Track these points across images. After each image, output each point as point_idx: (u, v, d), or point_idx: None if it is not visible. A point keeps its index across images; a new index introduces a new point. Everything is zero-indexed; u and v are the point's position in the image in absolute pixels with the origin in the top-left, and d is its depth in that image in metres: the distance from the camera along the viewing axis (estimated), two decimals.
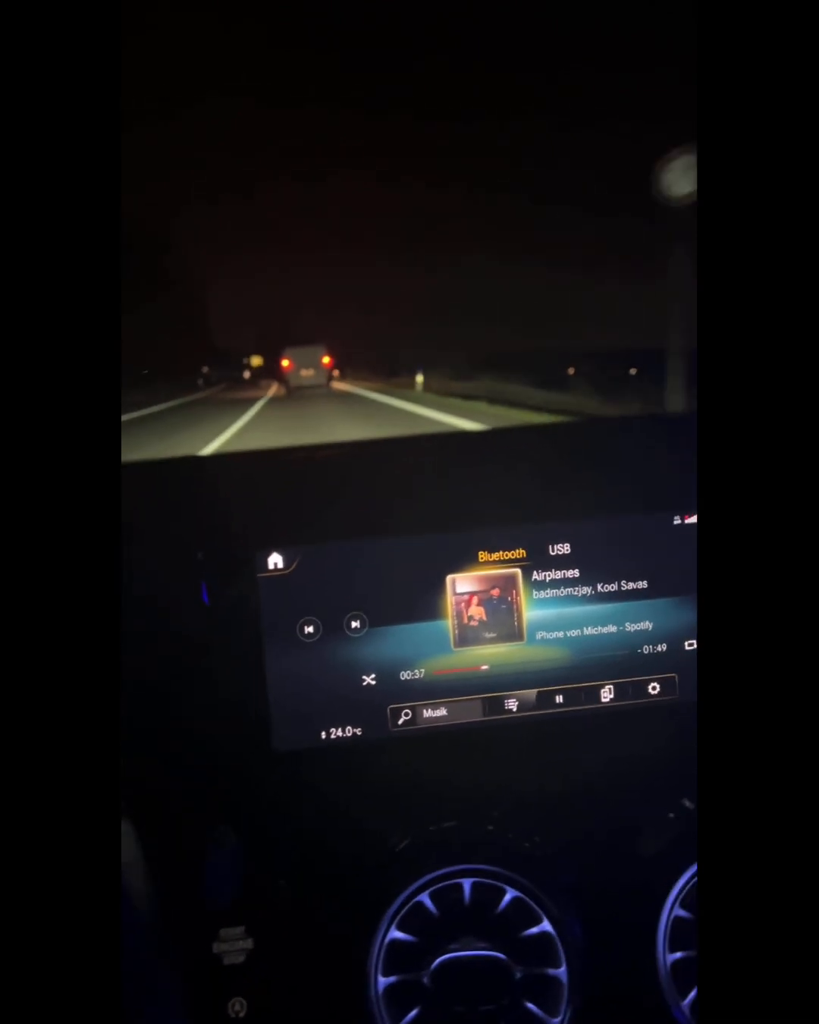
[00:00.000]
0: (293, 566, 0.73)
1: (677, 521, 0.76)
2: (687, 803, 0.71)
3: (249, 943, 0.61)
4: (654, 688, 0.76)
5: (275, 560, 0.73)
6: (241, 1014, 0.60)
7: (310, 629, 0.73)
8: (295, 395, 22.83)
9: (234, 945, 0.61)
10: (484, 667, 0.75)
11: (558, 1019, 0.60)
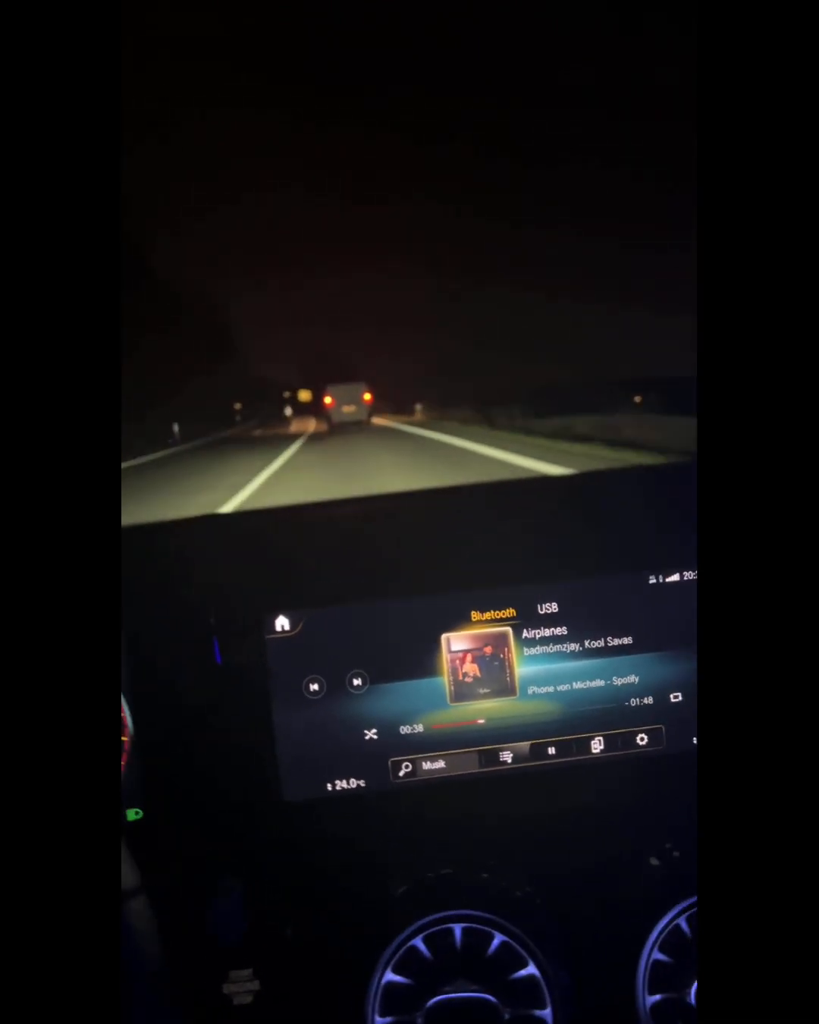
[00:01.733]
0: (298, 628, 0.79)
1: (653, 580, 0.80)
2: (671, 848, 0.74)
3: (256, 984, 0.66)
4: (642, 739, 0.80)
5: (282, 622, 0.79)
6: None
7: (315, 686, 0.79)
8: (336, 431, 23.36)
9: (243, 986, 0.66)
10: (479, 721, 0.80)
11: None
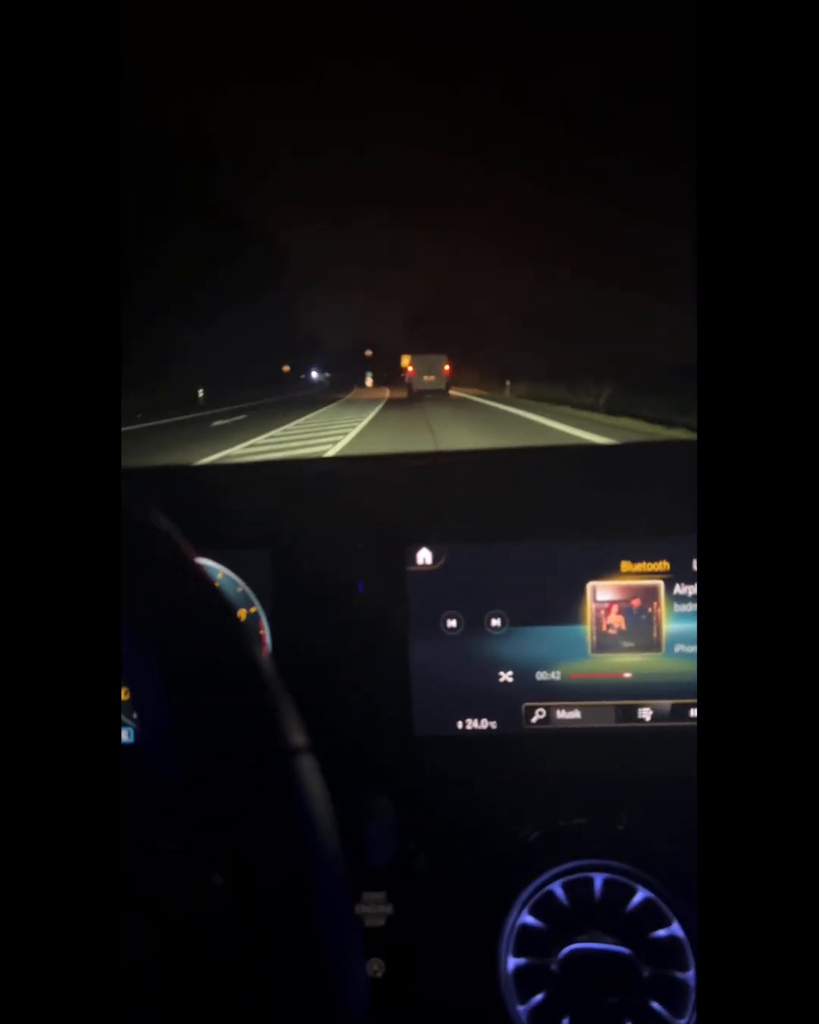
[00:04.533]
0: (441, 562, 0.77)
1: None
2: None
3: (390, 909, 0.66)
4: None
5: (424, 556, 0.78)
6: (378, 974, 0.65)
7: (453, 623, 0.77)
8: (415, 398, 24.13)
9: (376, 909, 0.66)
10: (620, 675, 0.77)
11: (684, 1021, 0.61)
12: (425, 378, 27.43)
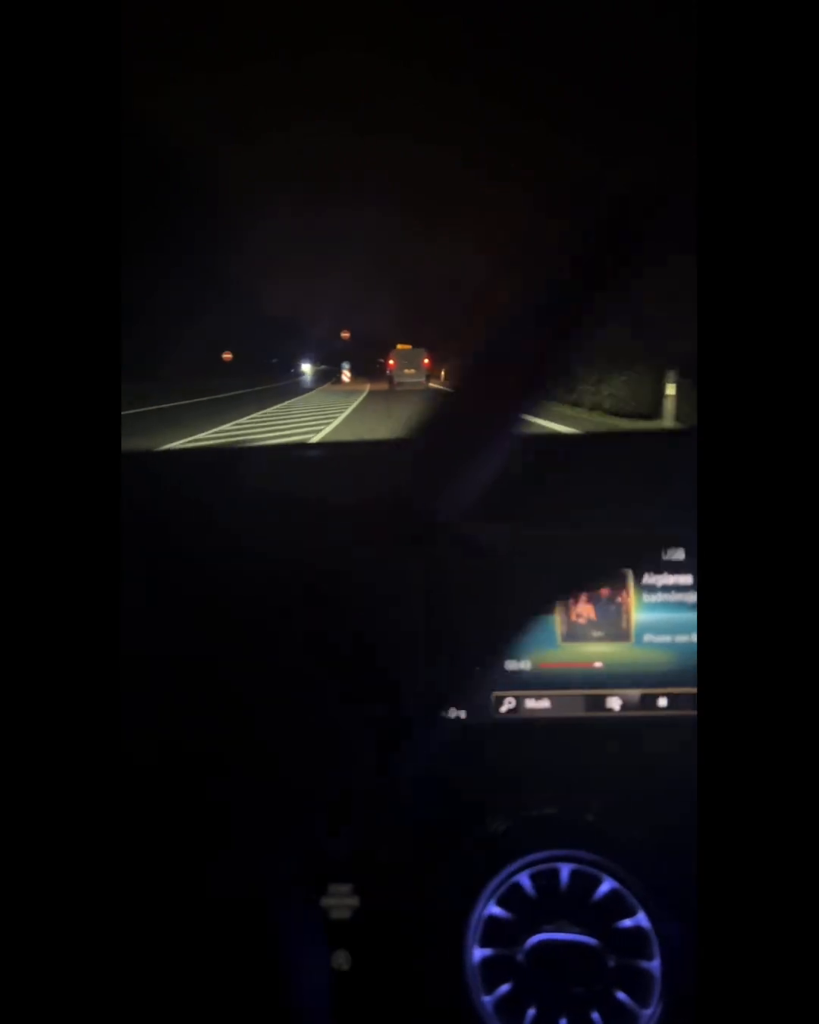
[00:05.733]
0: None
1: None
2: None
3: (355, 901, 0.65)
4: None
5: None
6: (344, 967, 0.64)
7: None
8: (396, 389, 25.34)
9: (341, 901, 0.65)
10: (589, 664, 0.76)
11: (650, 1010, 0.61)
12: (406, 371, 28.39)
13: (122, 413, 0.39)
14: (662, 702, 0.76)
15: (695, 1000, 0.36)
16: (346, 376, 35.10)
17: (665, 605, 0.76)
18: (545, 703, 0.76)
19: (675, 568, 0.76)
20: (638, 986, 0.62)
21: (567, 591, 0.76)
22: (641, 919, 0.63)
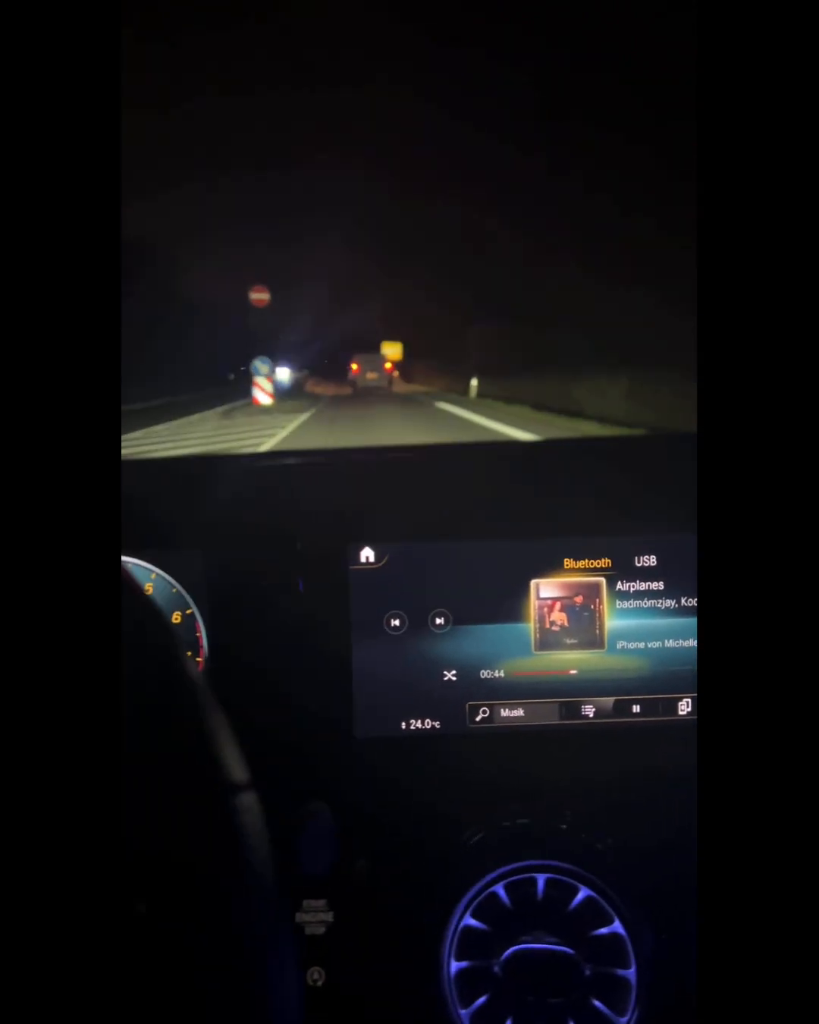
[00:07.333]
0: (383, 561, 0.76)
1: None
2: None
3: (330, 916, 0.64)
4: None
5: (367, 554, 0.76)
6: (319, 983, 0.63)
7: (396, 622, 0.76)
8: (360, 393, 25.25)
9: (316, 916, 0.64)
10: (563, 672, 0.77)
11: (626, 1019, 0.61)
12: (368, 375, 29.08)
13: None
14: (636, 709, 0.77)
15: (696, 1008, 0.36)
16: (262, 391, 15.92)
17: (638, 611, 0.76)
18: (519, 712, 0.76)
19: (647, 575, 0.76)
20: (614, 994, 0.62)
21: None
22: (617, 927, 0.63)
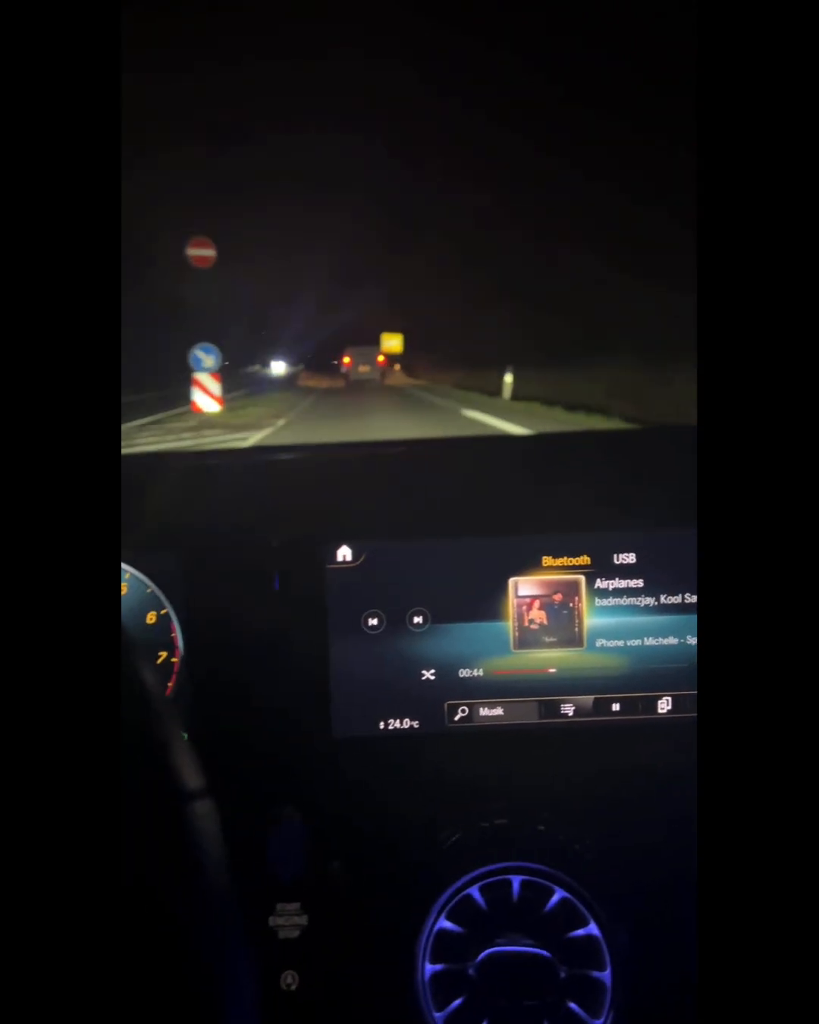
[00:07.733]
0: (361, 560, 0.75)
1: None
2: None
3: (304, 920, 0.64)
4: None
5: (344, 553, 0.75)
6: (292, 987, 0.63)
7: (374, 621, 0.75)
8: (352, 387, 25.57)
9: (290, 920, 0.63)
10: (542, 670, 0.76)
11: (600, 1021, 0.61)
12: (360, 369, 29.68)
13: None
14: (615, 707, 0.76)
15: (696, 1007, 0.35)
16: (205, 392, 10.49)
17: (617, 609, 0.76)
18: (498, 711, 0.76)
19: (627, 572, 0.76)
20: (589, 996, 0.62)
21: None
22: (592, 928, 0.63)
